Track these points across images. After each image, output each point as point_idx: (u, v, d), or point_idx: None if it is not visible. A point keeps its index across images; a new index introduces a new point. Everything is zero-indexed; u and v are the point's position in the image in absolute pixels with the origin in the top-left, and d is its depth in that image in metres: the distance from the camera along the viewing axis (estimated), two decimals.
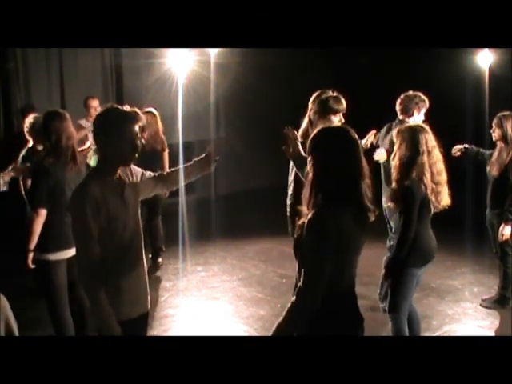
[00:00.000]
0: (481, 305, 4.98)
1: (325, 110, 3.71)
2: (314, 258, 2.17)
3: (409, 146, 3.47)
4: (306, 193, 2.36)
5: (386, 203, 3.78)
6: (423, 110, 4.60)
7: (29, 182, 4.13)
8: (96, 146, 2.65)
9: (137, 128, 2.60)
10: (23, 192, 4.36)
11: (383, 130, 4.80)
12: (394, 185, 3.59)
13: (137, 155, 2.64)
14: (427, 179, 3.44)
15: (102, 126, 2.59)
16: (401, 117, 4.61)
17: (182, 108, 6.62)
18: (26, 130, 4.48)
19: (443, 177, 3.53)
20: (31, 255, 3.60)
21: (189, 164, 2.93)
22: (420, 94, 4.58)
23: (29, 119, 4.45)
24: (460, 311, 4.96)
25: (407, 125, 3.72)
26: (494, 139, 4.80)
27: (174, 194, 7.33)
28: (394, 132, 3.65)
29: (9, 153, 5.09)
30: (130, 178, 2.74)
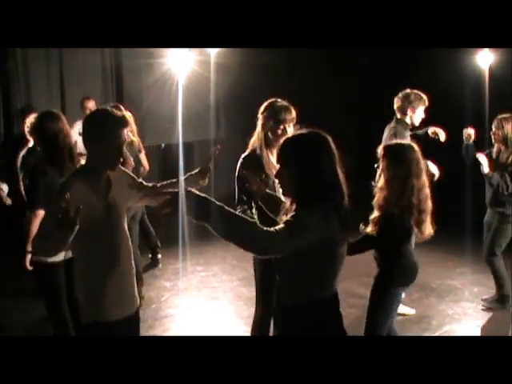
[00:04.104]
0: (481, 305, 4.97)
1: (273, 120, 3.38)
2: (285, 240, 2.03)
3: (399, 165, 3.14)
4: (285, 204, 2.32)
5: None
6: (420, 108, 4.63)
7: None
8: (84, 148, 2.64)
9: (124, 132, 2.58)
10: (23, 192, 4.36)
11: (386, 133, 4.72)
12: (376, 212, 3.20)
13: (122, 159, 2.62)
14: (413, 206, 3.13)
15: (89, 129, 2.58)
16: (398, 115, 4.69)
17: (182, 108, 6.62)
18: (26, 130, 4.48)
19: (428, 204, 3.22)
20: (29, 256, 3.59)
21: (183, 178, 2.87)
22: (416, 91, 4.62)
23: (29, 119, 4.45)
24: (460, 311, 4.96)
25: (395, 142, 3.42)
26: (493, 141, 4.79)
27: None
28: (380, 149, 3.29)
29: (9, 153, 5.10)
30: (120, 181, 2.71)
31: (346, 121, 7.67)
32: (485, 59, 6.66)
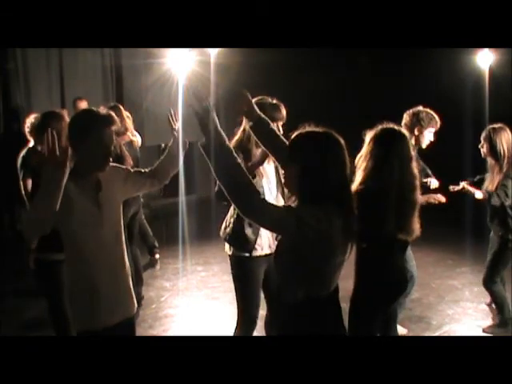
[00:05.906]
0: (483, 331, 4.54)
1: None
2: (275, 216, 2.07)
3: (382, 145, 2.95)
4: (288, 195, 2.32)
5: None
6: (429, 130, 4.18)
7: (29, 182, 4.13)
8: (71, 150, 2.61)
9: (111, 132, 2.52)
10: (23, 192, 4.36)
11: None
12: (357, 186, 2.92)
13: (111, 160, 2.55)
14: (392, 193, 2.88)
15: (74, 130, 2.52)
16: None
17: (182, 108, 6.62)
18: (27, 130, 4.48)
19: (415, 196, 2.95)
20: (33, 256, 3.60)
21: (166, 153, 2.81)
22: (428, 111, 4.20)
23: (30, 119, 4.44)
24: (460, 311, 4.96)
25: (386, 126, 3.06)
26: (482, 155, 4.32)
27: (174, 194, 7.35)
28: (368, 133, 3.06)
29: (9, 153, 5.09)
30: (112, 180, 2.62)
31: (345, 121, 7.67)
32: (485, 59, 6.67)
